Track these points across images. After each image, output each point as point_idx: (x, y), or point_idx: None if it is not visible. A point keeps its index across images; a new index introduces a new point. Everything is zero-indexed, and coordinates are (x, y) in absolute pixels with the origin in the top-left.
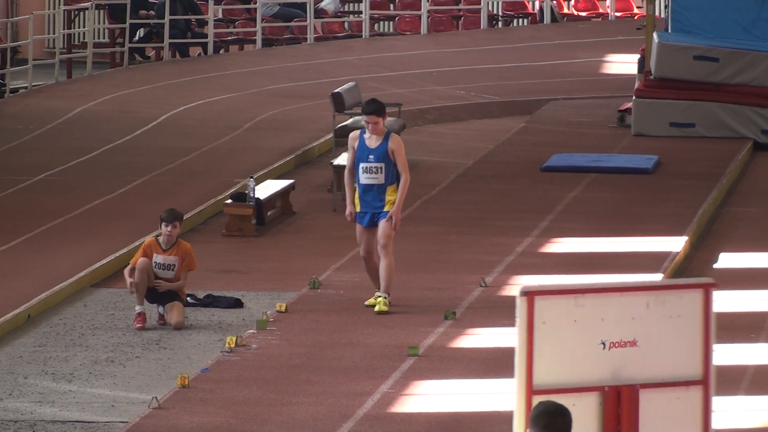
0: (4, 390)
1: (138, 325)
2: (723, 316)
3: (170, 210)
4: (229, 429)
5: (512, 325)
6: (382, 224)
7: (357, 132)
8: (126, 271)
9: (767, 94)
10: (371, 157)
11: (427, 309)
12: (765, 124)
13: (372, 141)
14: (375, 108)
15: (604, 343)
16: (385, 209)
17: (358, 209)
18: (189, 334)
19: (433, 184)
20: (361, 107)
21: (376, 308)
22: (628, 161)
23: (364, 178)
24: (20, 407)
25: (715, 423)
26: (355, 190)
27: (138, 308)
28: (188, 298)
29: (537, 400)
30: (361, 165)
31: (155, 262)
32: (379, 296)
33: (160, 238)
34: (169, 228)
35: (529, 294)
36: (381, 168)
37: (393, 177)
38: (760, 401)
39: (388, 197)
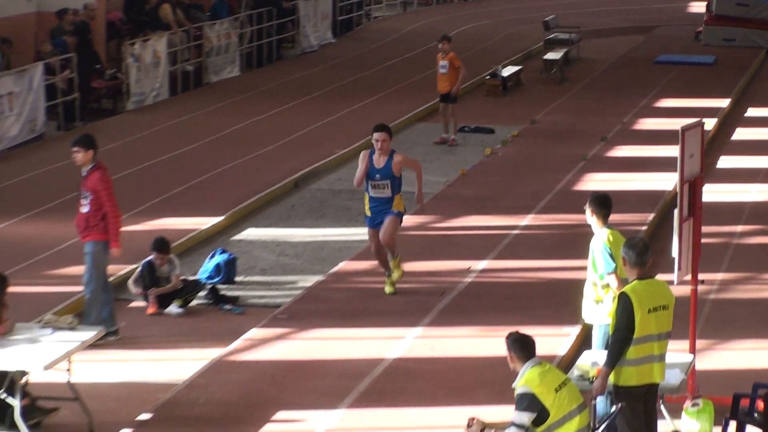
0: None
1: None
2: (752, 143)
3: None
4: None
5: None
6: (388, 220)
7: (366, 152)
8: None
9: None
10: (378, 176)
11: (590, 134)
12: None
13: (379, 161)
14: (384, 127)
15: None
16: (392, 209)
17: (369, 214)
18: (462, 148)
19: (596, 71)
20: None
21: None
22: (700, 59)
23: (373, 192)
24: None
25: None
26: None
27: None
28: (465, 127)
29: None
30: (370, 182)
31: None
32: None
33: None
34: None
35: (684, 130)
36: (387, 184)
37: (397, 189)
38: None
39: (395, 203)
